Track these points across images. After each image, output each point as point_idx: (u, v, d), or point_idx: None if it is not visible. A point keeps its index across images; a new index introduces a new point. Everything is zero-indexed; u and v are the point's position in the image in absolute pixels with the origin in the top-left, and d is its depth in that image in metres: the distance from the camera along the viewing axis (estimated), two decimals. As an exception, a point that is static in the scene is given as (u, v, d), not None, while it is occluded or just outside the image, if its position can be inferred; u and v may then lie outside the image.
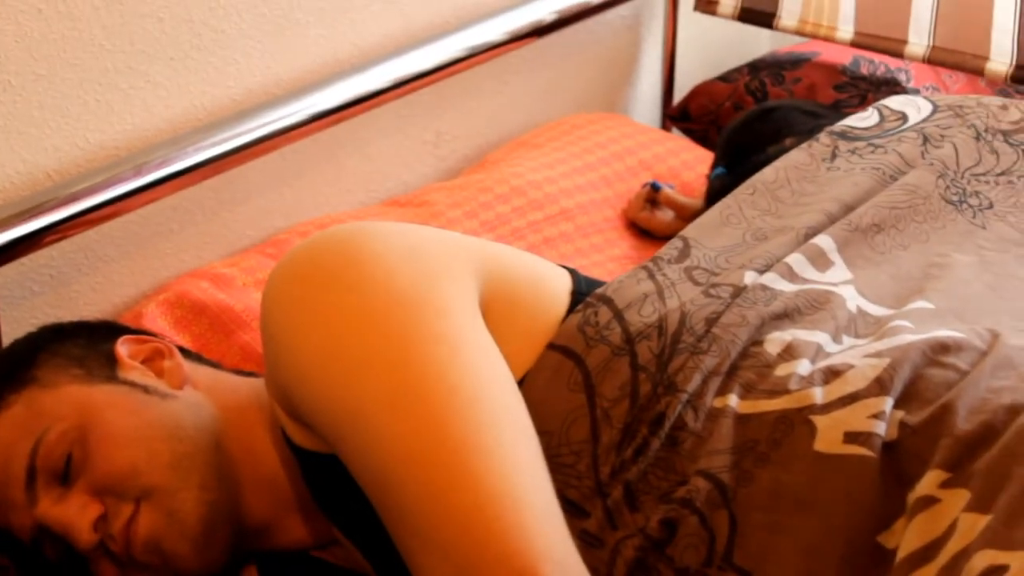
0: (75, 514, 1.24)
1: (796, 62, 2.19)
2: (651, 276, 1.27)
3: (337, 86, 1.77)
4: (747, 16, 2.14)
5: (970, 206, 1.41)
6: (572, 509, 1.14)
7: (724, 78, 2.22)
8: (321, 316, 1.17)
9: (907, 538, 1.06)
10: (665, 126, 2.28)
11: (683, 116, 2.24)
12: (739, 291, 1.24)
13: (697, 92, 2.23)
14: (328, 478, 1.23)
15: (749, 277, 1.26)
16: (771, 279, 1.26)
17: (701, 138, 2.16)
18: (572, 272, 1.30)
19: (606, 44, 2.15)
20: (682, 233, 1.35)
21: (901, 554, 1.05)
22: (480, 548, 1.05)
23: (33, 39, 1.55)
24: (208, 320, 1.61)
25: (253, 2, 1.73)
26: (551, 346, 1.21)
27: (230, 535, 1.30)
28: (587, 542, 1.13)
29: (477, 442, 1.09)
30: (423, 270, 1.19)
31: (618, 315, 1.22)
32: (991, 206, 1.42)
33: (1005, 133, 1.49)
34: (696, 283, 1.26)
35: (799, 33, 2.12)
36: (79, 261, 1.65)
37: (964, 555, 1.01)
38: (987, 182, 1.44)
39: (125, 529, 1.24)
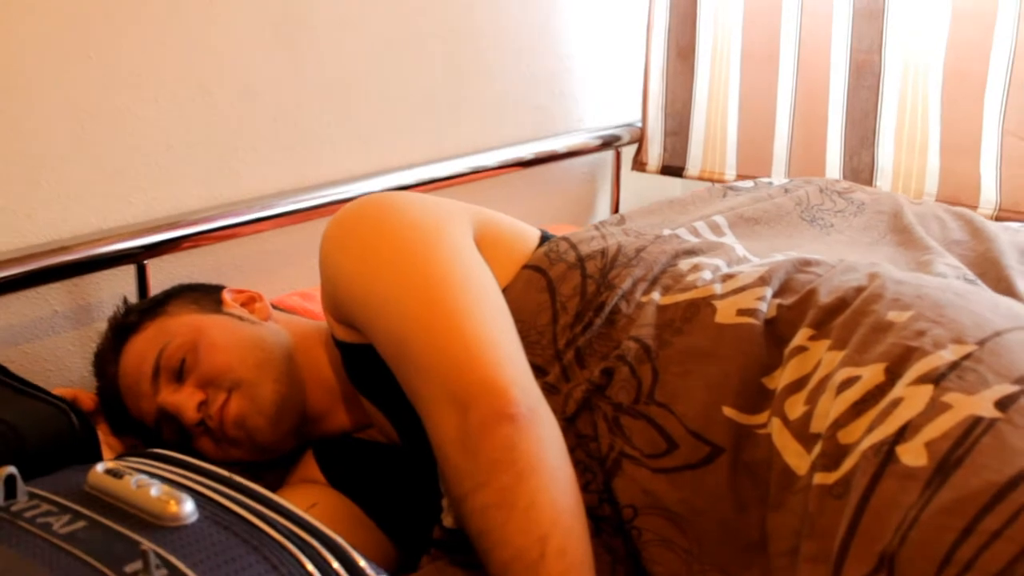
0: (185, 399, 1.13)
1: (698, 196, 2.08)
2: (597, 229, 1.17)
3: (385, 178, 1.66)
4: (666, 170, 2.07)
5: (819, 225, 1.31)
6: (537, 370, 1.01)
7: (651, 210, 2.11)
8: (359, 243, 1.08)
9: (784, 376, 0.93)
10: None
11: (624, 235, 2.13)
12: (659, 237, 1.14)
13: (633, 219, 2.12)
14: (363, 362, 1.10)
15: (666, 231, 1.15)
16: (682, 233, 1.17)
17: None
18: (542, 230, 1.18)
19: (572, 187, 2.07)
20: (620, 213, 1.24)
21: (780, 386, 0.93)
22: (466, 375, 0.93)
23: (188, 118, 1.46)
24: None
25: (340, 119, 1.64)
26: (525, 266, 1.11)
27: (296, 417, 1.17)
28: (548, 390, 0.99)
29: (464, 310, 0.99)
30: (431, 213, 1.10)
31: (573, 246, 1.11)
32: (832, 226, 1.32)
33: (839, 192, 1.41)
34: (628, 235, 1.14)
35: (700, 179, 2.03)
36: (212, 277, 1.51)
37: (827, 378, 0.90)
38: (828, 214, 1.34)
39: (220, 411, 1.13)
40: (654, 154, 2.06)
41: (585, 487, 0.94)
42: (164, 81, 1.42)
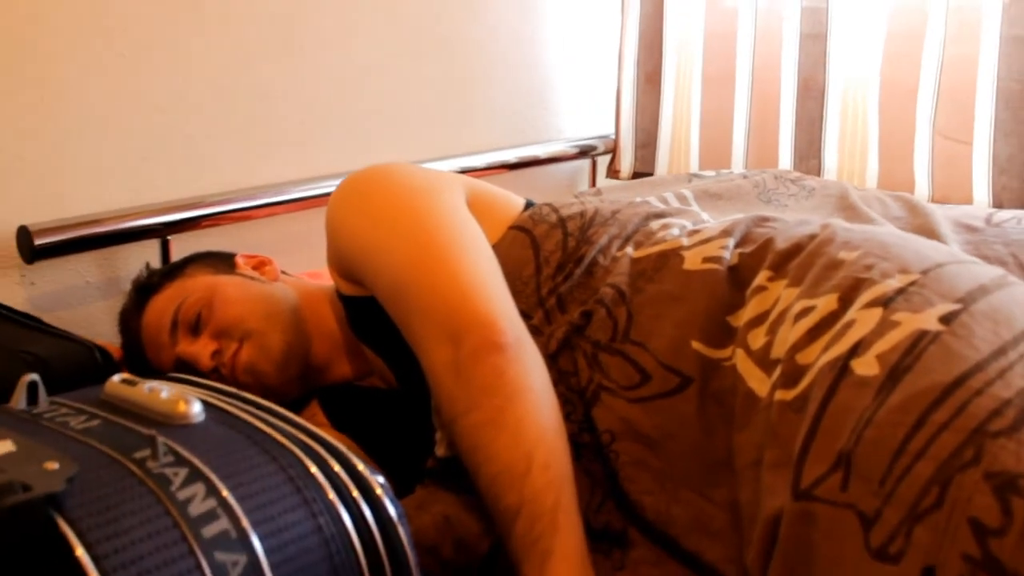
0: (200, 349, 1.09)
1: (665, 199, 2.05)
2: (576, 197, 1.14)
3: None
4: (637, 177, 2.03)
5: (774, 204, 1.28)
6: (522, 315, 0.96)
7: (623, 211, 2.08)
8: (363, 202, 1.04)
9: (746, 312, 0.89)
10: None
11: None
12: (632, 203, 1.10)
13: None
14: (364, 313, 1.07)
15: (638, 199, 1.11)
16: (652, 200, 1.13)
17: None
18: (527, 199, 1.14)
19: (552, 190, 2.03)
20: (598, 187, 1.21)
21: (743, 322, 0.89)
22: (459, 311, 0.90)
23: (208, 113, 1.43)
24: (304, 291, 1.43)
25: (345, 119, 1.62)
26: (511, 227, 1.07)
27: (301, 365, 1.13)
28: (532, 332, 0.95)
29: (457, 256, 0.95)
30: (428, 179, 1.07)
31: (555, 210, 1.08)
32: (786, 206, 1.29)
33: (792, 180, 1.37)
34: (604, 202, 1.11)
35: (666, 184, 2.00)
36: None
37: (786, 311, 0.86)
38: (783, 196, 1.31)
39: (232, 358, 1.09)
40: (626, 163, 2.04)
41: (567, 417, 0.90)
42: (187, 79, 1.39)
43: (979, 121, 1.58)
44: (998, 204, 1.58)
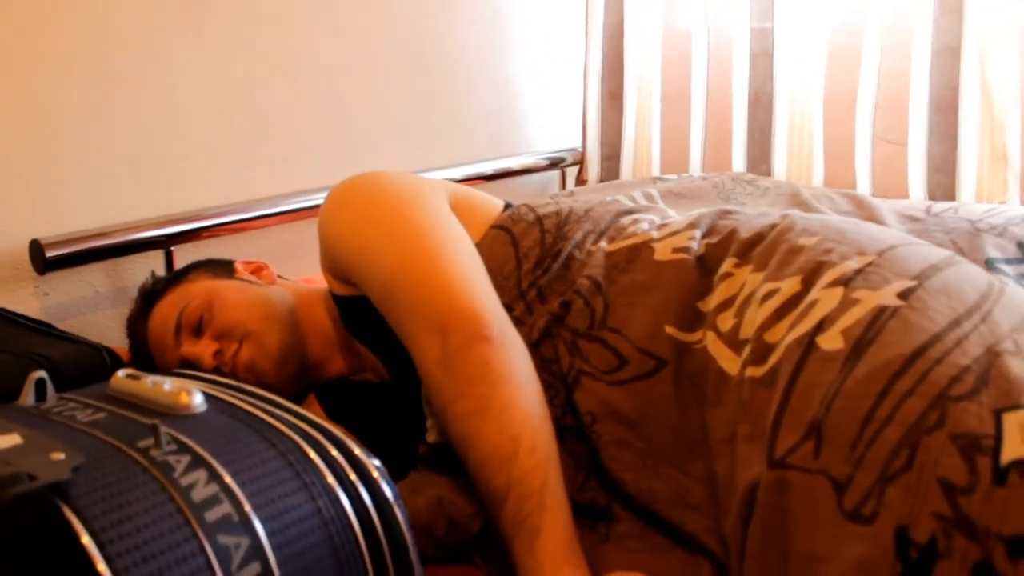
0: (202, 349, 1.04)
1: (630, 205, 2.02)
2: (552, 198, 1.10)
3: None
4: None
5: (732, 202, 1.26)
6: (505, 308, 0.93)
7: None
8: (353, 206, 1.01)
9: (714, 298, 0.87)
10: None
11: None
12: (603, 202, 1.07)
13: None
14: (357, 311, 1.03)
15: (608, 198, 1.09)
16: (621, 198, 1.10)
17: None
18: (506, 201, 1.11)
19: (527, 197, 1.95)
20: (571, 189, 1.18)
21: (711, 306, 0.86)
22: (446, 305, 0.86)
23: (206, 132, 1.38)
24: (299, 296, 1.39)
25: (334, 136, 1.58)
26: (492, 226, 1.03)
27: (298, 362, 1.09)
28: (515, 323, 0.91)
29: (442, 254, 0.92)
30: (413, 183, 1.03)
31: (532, 209, 1.05)
32: (744, 204, 1.27)
33: (747, 181, 1.35)
34: (577, 202, 1.08)
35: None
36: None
37: (752, 294, 0.83)
38: (740, 196, 1.29)
39: (232, 357, 1.04)
40: (593, 173, 2.01)
41: (550, 402, 0.87)
42: (186, 101, 1.36)
43: (914, 125, 1.57)
44: (932, 199, 1.57)
